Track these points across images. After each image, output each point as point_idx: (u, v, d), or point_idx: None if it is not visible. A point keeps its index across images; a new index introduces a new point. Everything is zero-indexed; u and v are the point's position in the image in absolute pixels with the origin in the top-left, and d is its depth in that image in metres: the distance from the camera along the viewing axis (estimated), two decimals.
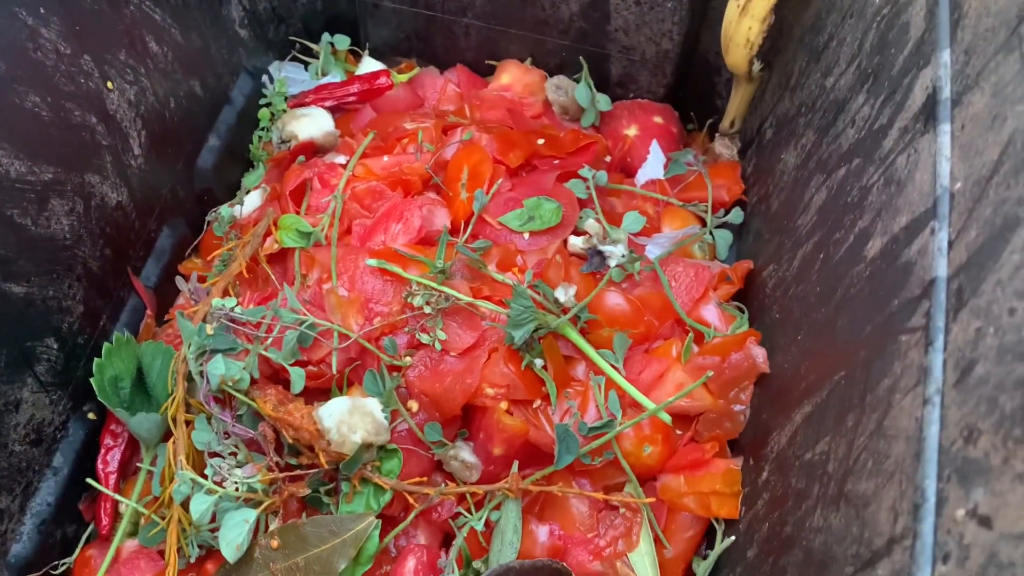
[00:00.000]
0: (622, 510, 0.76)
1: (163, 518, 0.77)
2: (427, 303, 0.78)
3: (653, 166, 0.98)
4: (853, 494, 0.49)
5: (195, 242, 0.96)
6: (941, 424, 0.43)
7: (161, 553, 0.78)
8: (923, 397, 0.44)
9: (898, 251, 0.53)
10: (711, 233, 0.92)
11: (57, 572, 0.80)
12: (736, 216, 0.93)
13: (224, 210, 0.93)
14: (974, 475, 0.39)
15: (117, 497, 0.80)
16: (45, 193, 0.72)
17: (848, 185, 0.65)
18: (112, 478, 0.82)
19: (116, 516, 0.82)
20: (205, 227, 0.97)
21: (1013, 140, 0.43)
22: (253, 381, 0.76)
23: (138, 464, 0.82)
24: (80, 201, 0.77)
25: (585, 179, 0.89)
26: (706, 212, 0.93)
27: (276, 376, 0.78)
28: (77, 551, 0.81)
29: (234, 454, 0.74)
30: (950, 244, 0.47)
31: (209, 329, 0.75)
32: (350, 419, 0.72)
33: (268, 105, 1.05)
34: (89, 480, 0.80)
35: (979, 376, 0.41)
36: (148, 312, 0.89)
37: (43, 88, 0.70)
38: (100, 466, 0.82)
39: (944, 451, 0.42)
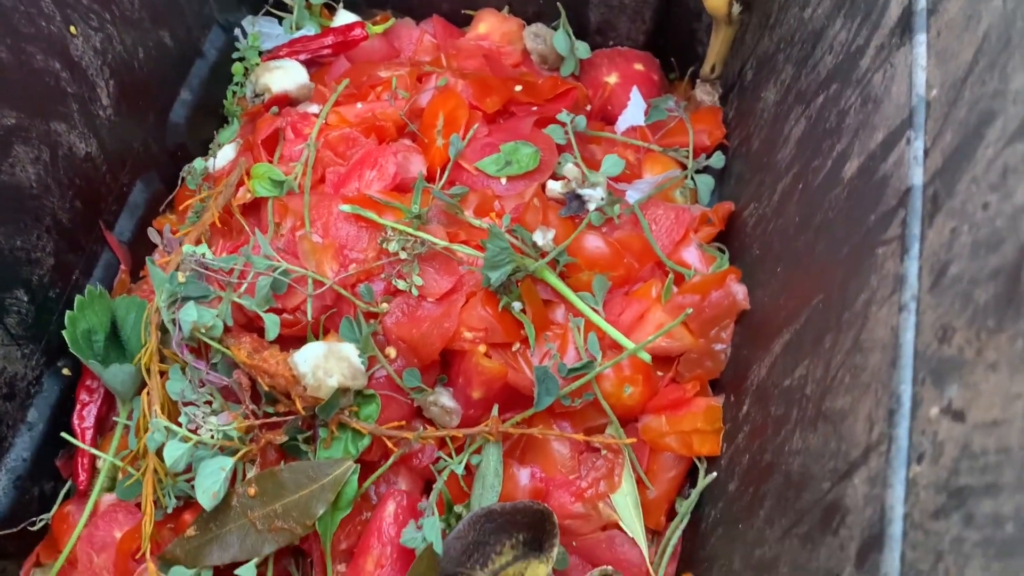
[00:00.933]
0: (604, 452, 0.75)
1: (140, 470, 0.76)
2: (403, 248, 0.76)
3: (633, 113, 0.96)
4: (830, 411, 0.49)
5: (169, 198, 0.94)
6: (916, 330, 0.42)
7: (139, 506, 0.77)
8: (899, 305, 0.44)
9: (875, 167, 0.52)
10: (692, 178, 0.91)
11: (35, 528, 0.79)
12: (717, 160, 0.91)
13: (197, 163, 0.92)
14: (948, 373, 0.38)
15: (93, 451, 0.79)
16: (8, 139, 0.70)
17: (826, 112, 0.64)
18: (88, 434, 0.81)
19: (93, 472, 0.81)
20: (179, 183, 0.96)
21: (988, 36, 0.42)
22: (227, 329, 0.74)
23: (114, 419, 0.81)
24: (46, 149, 0.75)
25: (563, 124, 0.87)
26: (687, 158, 0.92)
27: (250, 324, 0.76)
28: (55, 507, 0.80)
29: (209, 403, 0.73)
30: (926, 152, 0.46)
31: (181, 277, 0.74)
32: (326, 364, 0.71)
33: (242, 60, 1.03)
34: (65, 435, 0.79)
35: (953, 275, 0.40)
36: (122, 267, 0.88)
37: (0, 29, 0.68)
38: (76, 422, 0.81)
39: (919, 355, 0.41)
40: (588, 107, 0.98)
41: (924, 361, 0.40)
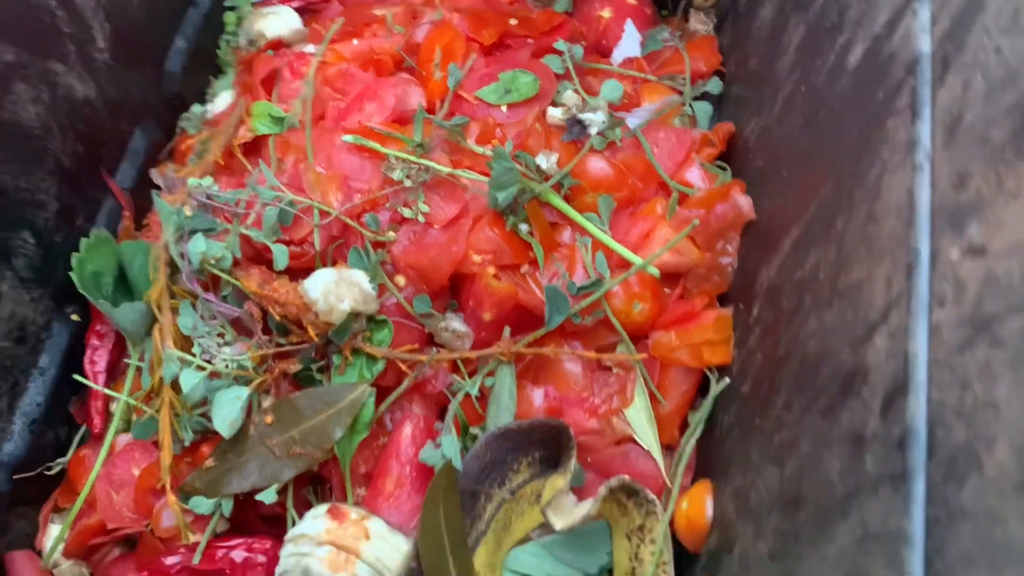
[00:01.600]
0: (615, 370, 0.76)
1: (154, 408, 0.77)
2: (407, 177, 0.76)
3: (629, 44, 0.96)
4: (845, 287, 0.49)
5: (168, 146, 0.94)
6: (932, 186, 0.42)
7: (156, 443, 0.77)
8: (912, 166, 0.44)
9: (880, 48, 0.52)
10: (690, 105, 0.91)
11: (52, 473, 0.79)
12: (715, 86, 0.92)
13: (196, 108, 0.92)
14: (967, 215, 0.38)
15: (107, 391, 0.79)
16: (8, 75, 0.70)
17: (826, 11, 0.64)
18: (101, 378, 0.81)
19: (107, 415, 0.81)
20: (177, 132, 0.95)
21: None
22: (235, 262, 0.75)
23: (126, 361, 0.81)
24: (45, 89, 0.75)
25: (561, 52, 0.87)
26: (684, 86, 0.92)
27: (258, 257, 0.76)
28: (71, 452, 0.81)
29: (221, 335, 0.73)
30: (933, 19, 0.47)
31: (187, 210, 0.74)
32: (337, 289, 0.71)
33: (233, 8, 1.03)
34: (78, 377, 0.79)
35: (967, 124, 0.40)
36: (126, 214, 0.87)
37: None
38: (88, 366, 0.81)
39: (936, 209, 0.41)
40: (582, 43, 0.98)
41: (941, 213, 0.41)
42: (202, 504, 0.71)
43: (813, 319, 0.53)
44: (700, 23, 0.99)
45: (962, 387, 0.35)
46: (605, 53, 0.99)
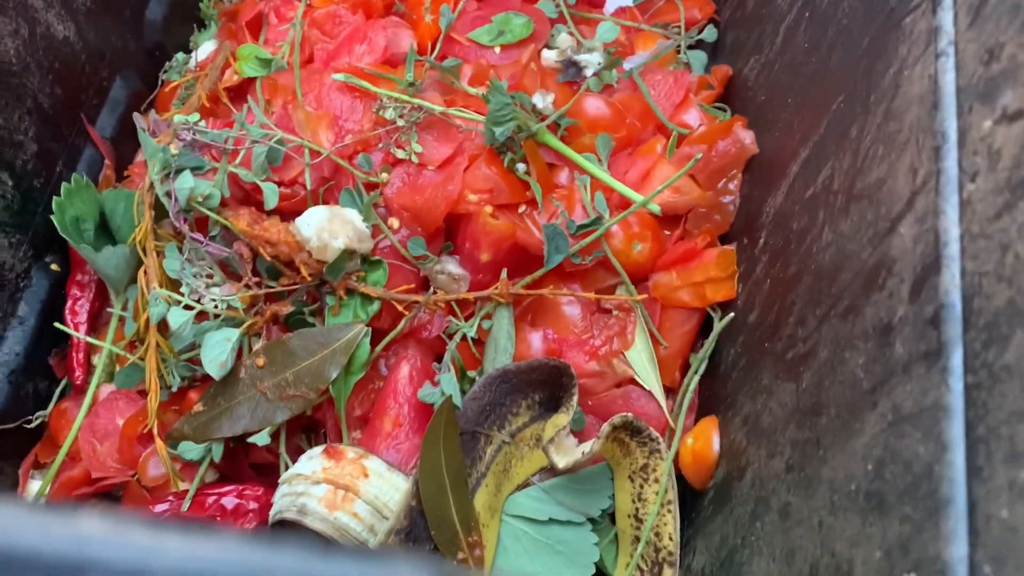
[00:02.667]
0: (615, 312, 0.74)
1: (140, 359, 0.74)
2: (400, 116, 0.74)
3: None
4: (863, 190, 0.48)
5: (151, 96, 0.91)
6: (957, 70, 0.41)
7: (140, 392, 0.74)
8: (935, 54, 0.43)
9: None
10: (685, 53, 0.90)
11: (32, 426, 0.76)
12: (710, 34, 0.90)
13: (179, 55, 0.89)
14: (999, 85, 0.37)
15: (90, 340, 0.76)
16: None
17: None
18: (82, 328, 0.78)
19: (89, 367, 0.78)
20: (159, 84, 0.93)
21: None
22: (224, 203, 0.72)
23: (108, 310, 0.78)
24: (24, 24, 0.72)
25: None
26: (679, 35, 0.90)
27: (247, 198, 0.74)
28: (52, 404, 0.78)
29: (210, 276, 0.71)
30: None
31: (174, 148, 0.71)
32: (330, 226, 0.69)
33: None
34: (58, 326, 0.77)
35: (994, 2, 0.39)
36: (107, 163, 0.85)
37: None
38: (69, 316, 0.78)
39: (962, 90, 0.40)
40: None
41: (969, 92, 0.40)
42: (191, 450, 0.69)
43: (828, 231, 0.52)
44: None
45: (1002, 250, 0.34)
46: (597, 4, 0.97)
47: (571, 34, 0.83)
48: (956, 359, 0.35)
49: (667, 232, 0.76)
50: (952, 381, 0.34)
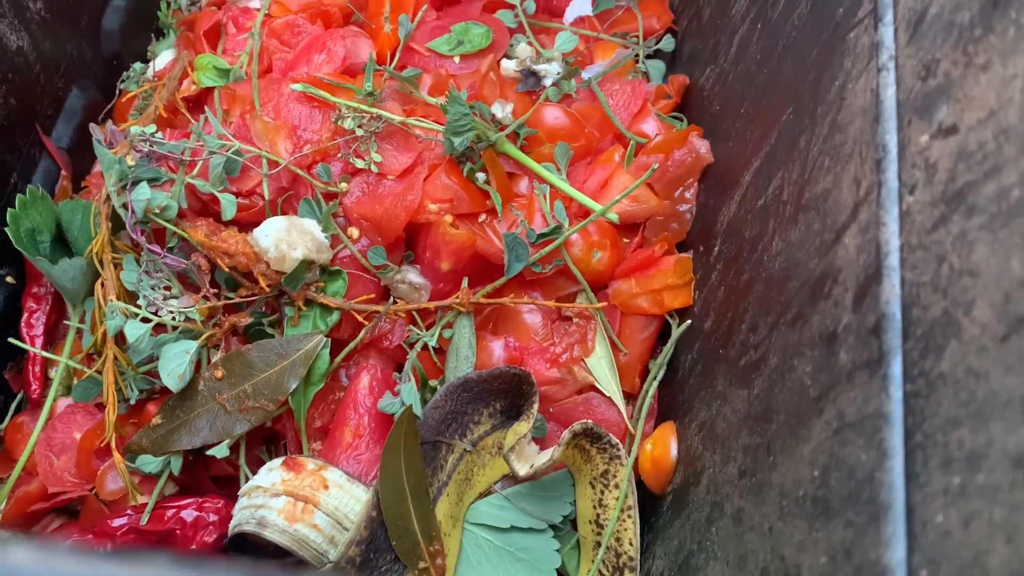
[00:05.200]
0: (575, 320, 0.75)
1: (98, 372, 0.73)
2: (359, 126, 0.75)
3: (581, 3, 0.95)
4: (811, 200, 0.49)
5: (108, 107, 0.91)
6: (897, 83, 0.42)
7: (98, 406, 0.74)
8: (876, 68, 0.44)
9: None
10: (643, 62, 0.91)
11: None
12: (667, 43, 0.91)
13: (137, 65, 0.88)
14: (935, 100, 0.38)
15: (46, 354, 0.76)
16: None
17: None
18: (38, 342, 0.78)
19: (46, 381, 0.78)
20: (117, 94, 0.92)
21: None
22: (181, 214, 0.72)
23: (65, 322, 0.77)
24: None
25: (512, 6, 0.86)
26: (637, 43, 0.91)
27: (205, 210, 0.74)
28: (7, 419, 0.77)
29: (167, 288, 0.70)
30: None
31: (130, 159, 0.71)
32: (288, 237, 0.69)
33: None
34: (13, 341, 0.76)
35: (932, 16, 0.40)
36: (63, 174, 0.84)
37: None
38: (24, 330, 0.78)
39: (902, 104, 0.41)
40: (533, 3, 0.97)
41: (907, 106, 0.41)
42: (150, 463, 0.68)
43: (778, 239, 0.53)
44: None
45: (938, 262, 0.35)
46: (557, 14, 0.98)
47: (530, 44, 0.84)
48: (896, 368, 0.36)
49: (626, 240, 0.77)
50: (892, 389, 0.35)
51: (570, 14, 0.96)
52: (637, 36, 0.92)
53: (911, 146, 0.39)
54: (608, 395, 0.73)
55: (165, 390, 0.70)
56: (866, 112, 0.44)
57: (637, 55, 0.90)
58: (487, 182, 0.75)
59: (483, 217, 0.75)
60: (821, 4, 0.54)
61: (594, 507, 0.70)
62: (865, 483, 0.35)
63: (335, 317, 0.71)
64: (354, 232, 0.74)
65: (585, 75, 0.86)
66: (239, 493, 0.66)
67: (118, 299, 0.70)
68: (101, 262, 0.72)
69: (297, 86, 0.75)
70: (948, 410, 0.32)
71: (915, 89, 0.40)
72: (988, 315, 0.31)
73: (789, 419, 0.44)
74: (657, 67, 0.91)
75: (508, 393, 0.72)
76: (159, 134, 0.72)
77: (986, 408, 0.30)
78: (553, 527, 0.71)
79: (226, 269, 0.70)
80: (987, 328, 0.31)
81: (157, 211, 0.69)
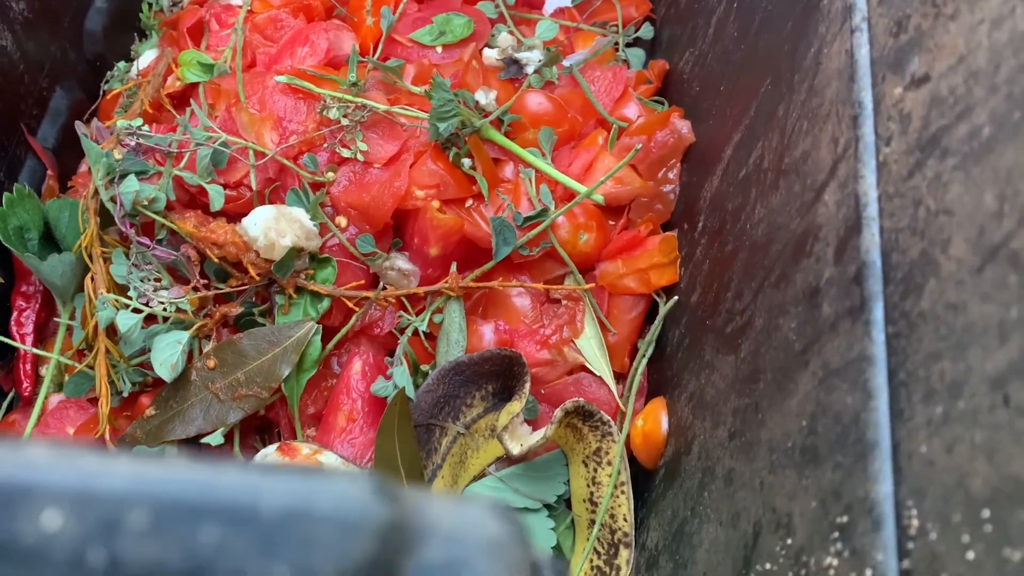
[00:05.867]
0: (564, 302, 0.76)
1: (89, 367, 0.73)
2: (344, 116, 0.75)
3: None
4: (790, 164, 0.50)
5: (93, 107, 0.91)
6: (871, 42, 0.43)
7: (92, 401, 0.74)
8: (850, 29, 0.45)
9: None
10: (623, 50, 0.92)
11: None
12: (647, 31, 0.93)
13: (121, 65, 0.89)
14: (907, 54, 0.39)
15: (37, 351, 0.76)
16: None
17: None
18: (28, 340, 0.78)
19: (37, 379, 0.78)
20: (101, 95, 0.92)
21: None
22: (169, 206, 0.72)
23: (56, 320, 0.77)
24: None
25: None
26: (616, 32, 0.93)
27: (193, 202, 0.74)
28: None
29: (158, 280, 0.71)
30: None
31: (117, 153, 0.71)
32: (277, 225, 0.69)
33: None
34: (3, 339, 0.76)
35: None
36: (49, 173, 0.84)
37: None
38: (14, 328, 0.78)
39: (876, 61, 0.42)
40: None
41: (881, 62, 0.42)
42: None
43: (760, 207, 0.54)
44: None
45: (915, 206, 0.36)
46: (536, 5, 0.99)
47: (511, 33, 0.85)
48: (878, 312, 0.37)
49: (611, 222, 0.78)
50: (875, 333, 0.36)
51: (550, 6, 0.97)
52: (616, 25, 0.93)
53: (886, 100, 0.40)
54: (598, 375, 0.73)
55: (158, 382, 0.70)
56: (841, 73, 0.45)
57: (617, 44, 0.92)
58: (473, 167, 0.76)
59: (470, 202, 0.76)
60: None
61: (588, 485, 0.70)
62: (851, 425, 0.36)
63: (325, 304, 0.71)
64: (342, 221, 0.74)
65: (567, 63, 0.87)
66: None
67: (108, 292, 0.71)
68: (90, 257, 0.72)
69: (281, 78, 0.76)
70: (929, 345, 0.33)
71: (888, 46, 0.41)
72: (964, 250, 0.32)
73: (776, 376, 0.45)
74: (637, 55, 0.92)
75: (500, 375, 0.72)
76: (145, 127, 0.73)
77: (965, 337, 0.31)
78: (548, 507, 0.71)
79: (215, 260, 0.70)
80: (963, 262, 0.32)
81: (145, 203, 0.70)
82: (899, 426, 0.34)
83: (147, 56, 0.90)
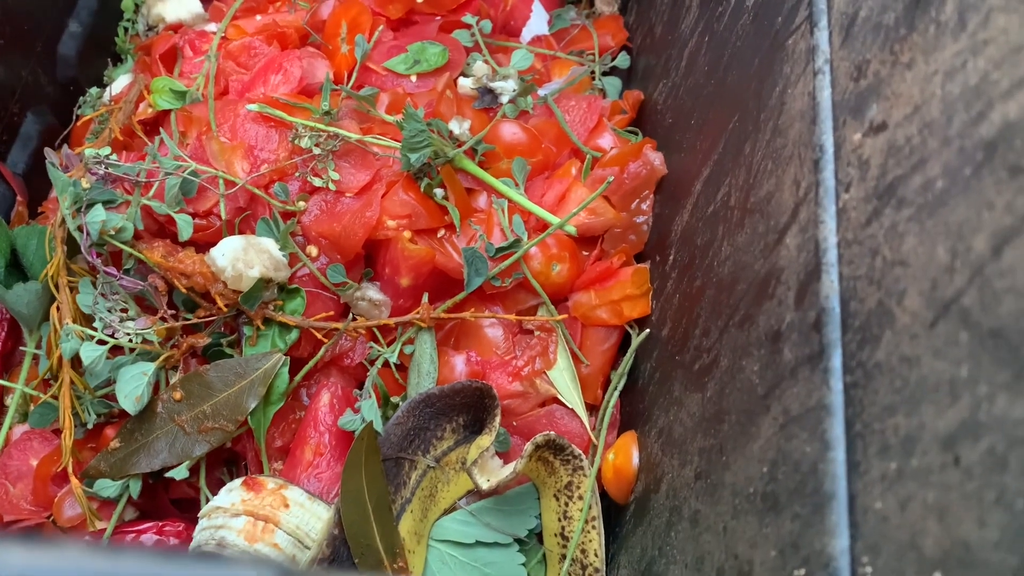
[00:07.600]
0: (537, 332, 0.75)
1: (54, 397, 0.72)
2: (316, 145, 0.75)
3: (537, 23, 0.97)
4: (755, 203, 0.50)
5: (64, 133, 0.90)
6: (832, 85, 0.43)
7: (56, 432, 0.73)
8: (813, 71, 0.45)
9: None
10: (600, 79, 0.92)
11: None
12: (623, 60, 0.93)
13: (93, 90, 0.88)
14: (867, 99, 0.39)
15: (1, 382, 0.74)
16: None
17: None
18: None
19: (1, 409, 0.76)
20: (74, 120, 0.91)
21: None
22: (137, 236, 0.71)
23: (21, 348, 0.76)
24: None
25: (469, 26, 0.87)
26: (593, 61, 0.93)
27: (162, 231, 0.73)
28: None
29: (124, 310, 0.70)
30: None
31: (85, 182, 0.70)
32: (245, 256, 0.68)
33: None
34: None
35: (862, 19, 0.41)
36: (19, 199, 0.83)
37: None
38: None
39: (837, 105, 0.42)
40: (489, 23, 0.98)
41: (843, 106, 0.42)
42: (108, 487, 0.68)
43: (726, 245, 0.54)
44: (605, 4, 1.00)
45: (872, 255, 0.36)
46: (513, 33, 0.99)
47: (486, 62, 0.85)
48: (836, 360, 0.36)
49: (585, 253, 0.78)
50: (833, 381, 0.36)
51: (527, 34, 0.97)
52: (593, 54, 0.93)
53: (846, 145, 0.40)
54: (571, 407, 0.73)
55: (123, 414, 0.69)
56: (804, 115, 0.45)
57: (593, 72, 0.92)
58: (445, 198, 0.75)
59: (442, 232, 0.75)
60: (762, 14, 0.55)
61: (559, 519, 0.70)
62: (810, 475, 0.36)
63: (294, 336, 0.71)
64: (313, 250, 0.74)
65: (542, 92, 0.87)
66: (199, 515, 0.65)
67: (74, 323, 0.70)
68: (57, 286, 0.71)
69: (253, 106, 0.75)
70: (884, 398, 0.32)
71: (848, 90, 0.41)
72: (918, 303, 0.32)
73: (740, 418, 0.45)
74: (613, 83, 0.93)
75: (471, 407, 0.72)
76: (114, 156, 0.72)
77: (918, 392, 0.30)
78: (519, 541, 0.70)
79: (183, 290, 0.69)
80: (917, 316, 0.31)
81: (112, 233, 0.69)
82: (855, 479, 0.33)
83: (120, 82, 0.90)
